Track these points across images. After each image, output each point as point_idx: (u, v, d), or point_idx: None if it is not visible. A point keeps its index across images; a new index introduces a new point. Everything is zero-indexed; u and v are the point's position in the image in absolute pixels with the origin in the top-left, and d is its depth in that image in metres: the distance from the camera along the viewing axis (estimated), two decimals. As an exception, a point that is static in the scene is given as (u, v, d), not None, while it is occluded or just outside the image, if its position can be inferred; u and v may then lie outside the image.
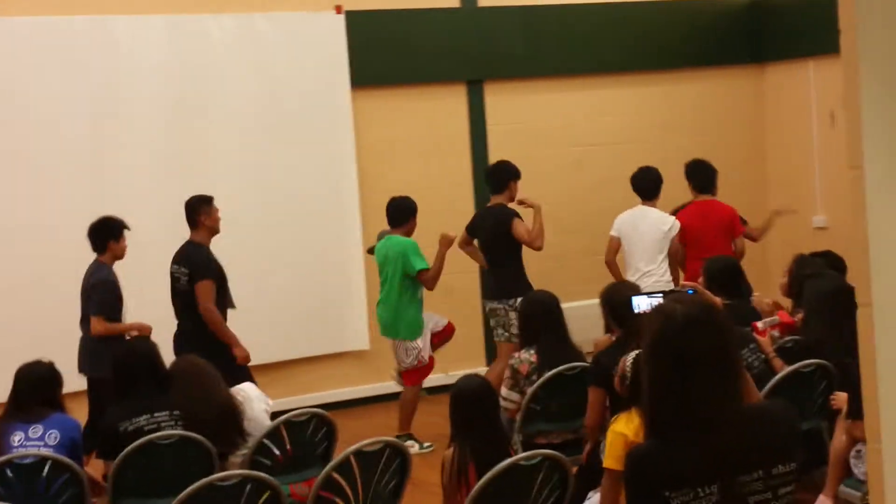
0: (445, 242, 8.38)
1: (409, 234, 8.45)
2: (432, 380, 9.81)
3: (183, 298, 7.78)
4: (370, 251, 8.85)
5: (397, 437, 8.20)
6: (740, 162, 11.14)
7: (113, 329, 7.53)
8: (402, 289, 8.35)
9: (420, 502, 6.38)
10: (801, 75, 10.97)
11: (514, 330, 8.11)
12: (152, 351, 5.99)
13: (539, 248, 8.50)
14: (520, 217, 8.53)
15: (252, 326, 8.63)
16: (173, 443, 5.53)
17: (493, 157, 10.27)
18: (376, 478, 5.22)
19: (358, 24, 9.73)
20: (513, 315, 8.26)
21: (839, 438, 5.42)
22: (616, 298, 5.94)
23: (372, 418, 9.21)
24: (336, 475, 5.10)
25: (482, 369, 9.89)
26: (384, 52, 9.92)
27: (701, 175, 8.90)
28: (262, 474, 5.04)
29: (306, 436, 5.86)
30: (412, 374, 8.46)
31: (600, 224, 9.87)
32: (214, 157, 9.29)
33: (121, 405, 5.78)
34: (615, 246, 8.74)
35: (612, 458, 4.89)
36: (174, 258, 7.89)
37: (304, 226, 9.53)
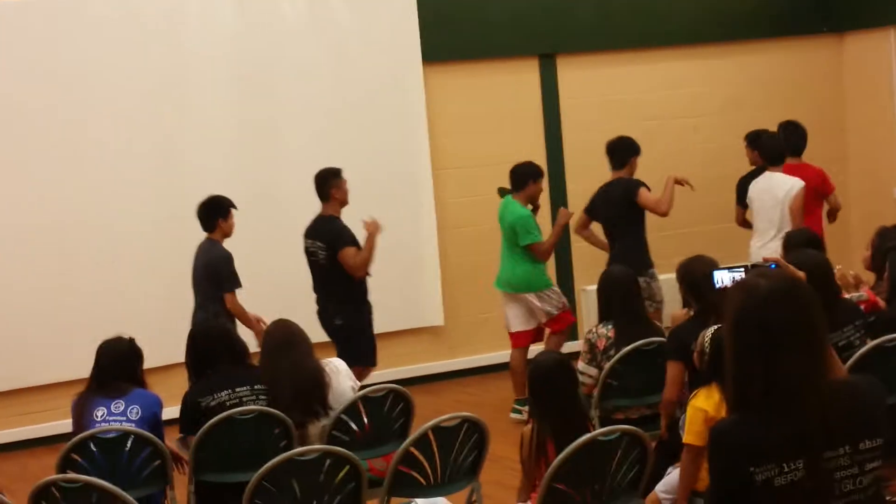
0: (563, 217, 8.51)
1: (528, 198, 8.53)
2: (504, 356, 9.83)
3: (322, 272, 7.97)
4: (500, 192, 8.83)
5: (516, 401, 8.28)
6: (818, 135, 10.90)
7: (242, 313, 7.71)
8: (519, 249, 8.48)
9: (499, 477, 6.39)
10: (882, 45, 10.76)
11: (660, 297, 8.40)
12: (229, 329, 6.04)
13: (663, 214, 8.60)
14: (646, 186, 8.58)
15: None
16: (252, 417, 5.56)
17: (566, 132, 10.24)
18: (454, 453, 5.22)
19: (429, -1, 9.72)
20: (655, 285, 8.45)
21: None
22: (694, 273, 5.88)
23: (447, 394, 9.24)
24: (414, 450, 5.11)
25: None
26: (455, 26, 9.90)
27: (794, 138, 8.94)
28: (342, 449, 5.05)
29: (384, 411, 5.86)
30: (559, 320, 8.47)
31: (676, 197, 9.77)
32: (286, 135, 9.34)
33: (202, 381, 5.84)
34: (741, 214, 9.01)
35: (692, 433, 4.86)
36: (307, 233, 8.09)
37: (377, 202, 9.48)
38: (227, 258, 7.77)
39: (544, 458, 4.95)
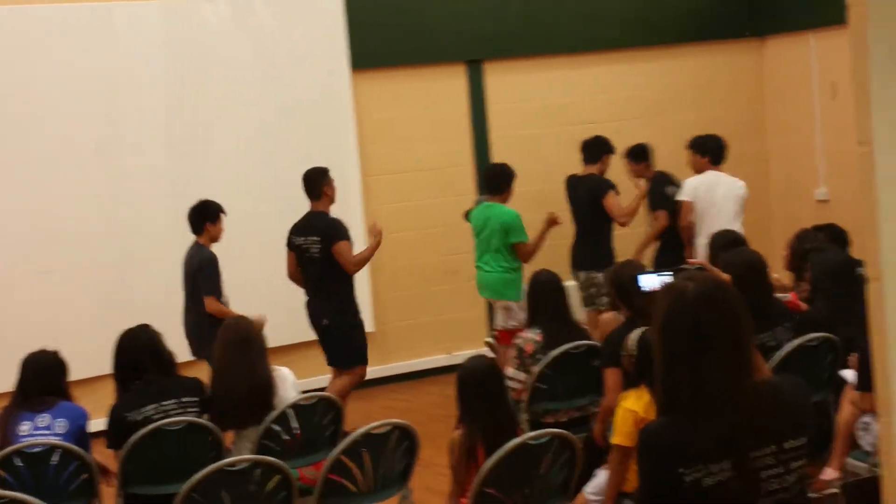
0: (550, 221, 8.55)
1: (506, 201, 8.59)
2: (435, 361, 9.87)
3: (315, 268, 7.99)
4: (466, 216, 8.97)
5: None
6: (741, 136, 11.10)
7: (224, 312, 7.66)
8: (506, 253, 8.51)
9: (429, 483, 6.40)
10: (802, 48, 10.94)
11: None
12: (155, 339, 5.92)
13: (623, 224, 8.91)
14: (615, 190, 8.80)
15: (259, 309, 8.61)
16: (181, 429, 5.53)
17: (494, 137, 10.29)
18: (385, 460, 5.23)
19: (356, 5, 9.72)
20: None
21: (846, 410, 5.43)
22: (624, 277, 5.93)
23: (377, 400, 9.23)
24: (345, 458, 5.11)
25: (486, 349, 9.93)
26: (383, 33, 9.90)
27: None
28: (272, 459, 5.04)
29: (314, 419, 5.86)
30: (510, 334, 8.49)
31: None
32: (214, 142, 9.29)
33: (127, 395, 5.77)
34: (689, 210, 8.95)
35: (621, 434, 4.91)
36: (297, 231, 8.10)
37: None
38: (211, 262, 7.79)
39: (474, 462, 4.97)
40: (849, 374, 5.52)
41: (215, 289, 7.79)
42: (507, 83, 10.44)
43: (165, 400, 5.67)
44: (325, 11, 9.63)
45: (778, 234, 10.86)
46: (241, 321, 6.13)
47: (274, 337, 8.46)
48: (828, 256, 6.49)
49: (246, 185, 9.35)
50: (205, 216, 7.91)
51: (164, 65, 9.11)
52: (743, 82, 11.39)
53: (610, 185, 8.85)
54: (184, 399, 5.73)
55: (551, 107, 10.57)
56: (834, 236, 7.38)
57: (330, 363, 8.21)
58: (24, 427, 5.58)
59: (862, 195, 2.66)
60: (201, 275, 7.78)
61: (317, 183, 8.09)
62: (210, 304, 7.73)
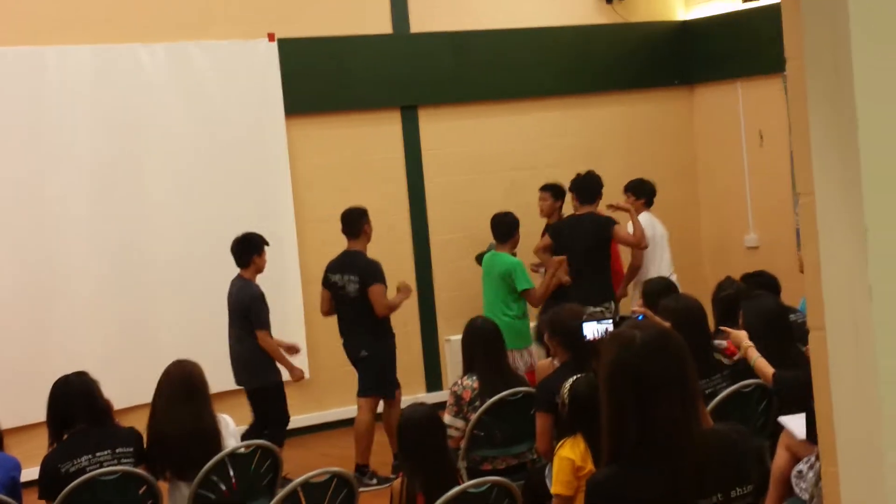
0: (556, 264, 8.81)
1: (514, 247, 8.90)
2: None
3: (351, 306, 8.25)
4: (478, 259, 9.19)
5: None
6: (672, 182, 11.26)
7: (274, 349, 8.12)
8: (510, 301, 8.70)
9: (367, 532, 6.35)
10: (730, 96, 11.15)
11: None
12: (89, 387, 5.79)
13: (646, 247, 9.17)
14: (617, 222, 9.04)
15: (190, 355, 8.48)
16: (116, 479, 5.44)
17: (429, 183, 10.32)
18: (323, 509, 5.19)
19: (291, 51, 9.71)
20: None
21: (781, 457, 5.48)
22: (565, 323, 5.95)
23: (314, 447, 9.16)
24: (283, 507, 5.06)
25: (422, 395, 9.91)
26: (318, 79, 9.91)
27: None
28: (208, 509, 4.99)
29: (251, 468, 5.79)
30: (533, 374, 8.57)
31: (533, 246, 9.93)
32: (148, 186, 9.19)
33: (61, 445, 5.65)
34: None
35: (560, 483, 4.92)
36: (333, 268, 8.38)
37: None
38: (259, 297, 8.04)
39: (415, 511, 4.94)
40: (786, 421, 5.57)
41: (266, 324, 8.07)
42: (442, 129, 10.50)
43: (100, 451, 5.58)
44: (259, 57, 9.62)
45: (709, 280, 10.94)
46: (184, 366, 6.03)
47: (230, 381, 8.51)
48: (759, 303, 6.54)
49: (179, 231, 9.26)
50: (251, 249, 8.13)
51: (96, 109, 9.00)
52: (674, 129, 11.57)
53: (613, 220, 9.05)
54: (118, 450, 5.63)
55: (486, 153, 10.64)
56: (765, 283, 7.46)
57: (369, 393, 8.35)
58: None
59: (804, 244, 2.70)
60: (253, 311, 8.02)
61: (357, 221, 8.35)
62: (263, 338, 8.02)
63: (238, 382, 8.26)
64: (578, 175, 9.28)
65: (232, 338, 8.23)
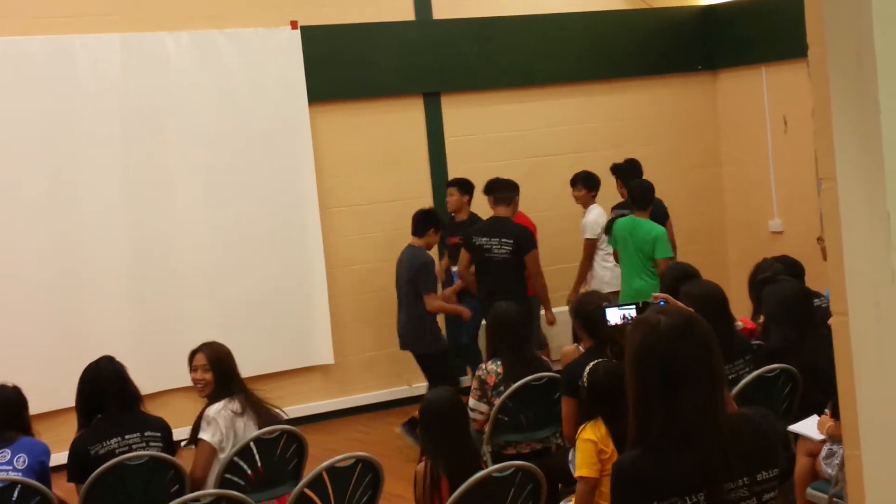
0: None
1: (649, 216, 9.01)
2: (396, 392, 9.88)
3: (499, 269, 8.64)
4: (607, 229, 9.28)
5: None
6: (695, 169, 11.26)
7: (444, 308, 8.67)
8: (649, 266, 8.83)
9: (393, 517, 6.40)
10: (754, 81, 11.10)
11: None
12: (120, 371, 5.86)
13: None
14: None
15: (226, 338, 8.60)
16: (143, 463, 5.50)
17: (451, 169, 10.34)
18: (349, 493, 5.22)
19: (313, 39, 9.73)
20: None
21: (801, 465, 5.48)
22: (588, 309, 5.99)
23: (339, 432, 9.22)
24: (309, 491, 5.11)
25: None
26: (340, 66, 9.93)
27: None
28: (235, 493, 5.04)
29: (277, 453, 5.84)
30: None
31: (557, 233, 9.95)
32: (173, 174, 9.24)
33: (90, 428, 5.72)
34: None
35: (585, 465, 4.95)
36: (481, 231, 8.83)
37: (265, 241, 9.51)
38: (429, 263, 8.53)
39: (438, 495, 4.98)
40: (798, 428, 5.57)
41: (433, 288, 8.51)
42: (465, 115, 10.51)
43: (129, 434, 5.65)
44: (282, 44, 9.65)
45: (734, 265, 10.99)
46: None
47: (256, 367, 8.60)
48: (780, 288, 6.54)
49: (204, 217, 9.32)
50: (431, 222, 8.60)
51: (124, 97, 9.06)
52: (697, 115, 11.53)
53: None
54: (147, 433, 5.70)
55: (509, 139, 10.65)
56: (788, 267, 7.45)
57: None
58: None
59: (826, 230, 2.72)
60: (420, 276, 8.40)
61: (427, 222, 8.63)
62: (430, 301, 8.40)
63: (402, 347, 8.77)
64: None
65: (399, 305, 8.70)
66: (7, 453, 5.55)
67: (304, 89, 9.68)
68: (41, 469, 5.60)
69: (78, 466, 5.57)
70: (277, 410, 6.03)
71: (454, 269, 9.39)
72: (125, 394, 5.77)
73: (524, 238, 8.73)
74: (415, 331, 8.56)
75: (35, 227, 8.74)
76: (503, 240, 8.69)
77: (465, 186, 9.62)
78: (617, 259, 9.13)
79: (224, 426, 5.78)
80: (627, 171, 9.63)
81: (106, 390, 5.73)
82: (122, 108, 9.04)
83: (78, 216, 8.88)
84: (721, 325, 5.80)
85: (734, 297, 8.77)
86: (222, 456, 5.73)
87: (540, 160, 10.66)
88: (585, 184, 9.63)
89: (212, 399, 5.89)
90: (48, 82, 8.81)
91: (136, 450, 5.60)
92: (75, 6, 9.00)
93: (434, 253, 9.00)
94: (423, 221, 8.61)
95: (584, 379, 5.17)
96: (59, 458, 5.91)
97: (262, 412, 5.91)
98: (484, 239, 8.76)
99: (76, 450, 5.62)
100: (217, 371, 5.93)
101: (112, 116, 9.01)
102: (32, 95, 8.76)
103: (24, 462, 5.52)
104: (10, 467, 5.50)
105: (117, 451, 5.57)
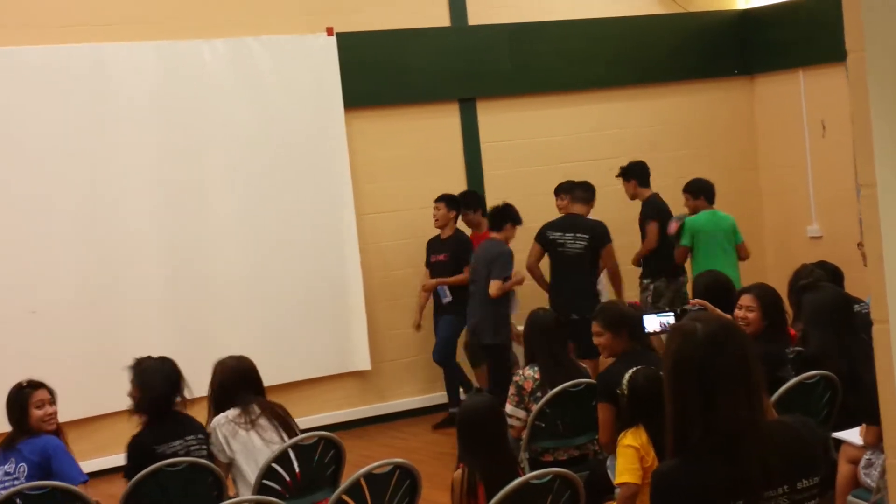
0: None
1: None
2: (432, 399, 9.88)
3: (572, 264, 8.92)
4: (679, 232, 9.43)
5: None
6: (732, 174, 11.20)
7: (504, 288, 8.72)
8: (733, 257, 9.36)
9: (430, 522, 6.39)
10: (792, 86, 11.03)
11: None
12: (178, 373, 5.94)
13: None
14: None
15: (253, 349, 8.60)
16: (182, 469, 5.53)
17: (487, 175, 10.35)
18: (386, 499, 5.22)
19: (349, 45, 9.76)
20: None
21: (843, 474, 5.43)
22: (624, 315, 5.96)
23: (375, 438, 9.23)
24: (347, 498, 5.11)
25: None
26: (376, 72, 9.96)
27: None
28: (273, 499, 5.05)
29: (315, 459, 5.85)
30: None
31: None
32: (209, 181, 9.30)
33: (153, 427, 5.78)
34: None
35: (626, 472, 4.93)
36: (555, 227, 9.05)
37: (301, 248, 9.54)
38: (507, 253, 8.75)
39: (475, 502, 4.97)
40: (842, 435, 5.52)
41: (505, 276, 8.69)
42: (500, 121, 10.51)
43: (188, 435, 5.73)
44: (318, 51, 9.68)
45: (772, 270, 10.91)
46: (242, 359, 6.15)
47: (293, 373, 8.65)
48: (820, 294, 6.48)
49: (240, 225, 9.36)
50: (508, 216, 8.85)
51: (159, 106, 9.11)
52: (734, 120, 11.48)
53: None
54: (200, 436, 5.78)
55: (544, 144, 10.64)
56: (826, 273, 7.39)
57: (583, 356, 8.24)
58: None
59: (866, 237, 2.70)
60: (497, 263, 8.61)
61: (506, 217, 8.91)
62: (492, 285, 8.61)
63: (470, 336, 8.95)
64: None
65: (472, 296, 8.89)
66: (12, 463, 5.58)
67: (339, 96, 9.71)
68: (45, 463, 5.61)
69: (142, 464, 5.52)
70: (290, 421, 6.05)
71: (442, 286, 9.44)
72: (257, 387, 5.97)
73: (600, 232, 8.95)
74: (484, 321, 8.70)
75: (72, 235, 8.79)
76: (578, 234, 8.93)
77: (452, 202, 9.58)
78: (680, 260, 9.44)
79: (222, 436, 5.83)
80: (639, 173, 9.66)
81: (171, 392, 5.81)
82: (158, 116, 9.10)
83: (114, 224, 8.93)
84: (775, 328, 5.90)
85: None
86: (238, 462, 5.78)
87: (576, 165, 10.62)
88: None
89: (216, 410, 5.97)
90: (83, 91, 8.87)
91: (193, 452, 5.67)
92: (109, 15, 9.06)
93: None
94: (499, 216, 8.85)
95: (624, 386, 5.15)
96: (94, 464, 5.94)
97: (274, 421, 5.93)
98: (558, 233, 8.98)
99: (142, 447, 5.65)
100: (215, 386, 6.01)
101: (148, 125, 9.06)
102: (67, 104, 8.82)
103: (24, 471, 5.55)
104: (11, 478, 5.51)
105: (180, 452, 5.64)
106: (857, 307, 6.37)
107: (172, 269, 9.10)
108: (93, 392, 8.48)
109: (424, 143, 10.20)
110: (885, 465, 2.73)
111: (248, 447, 5.81)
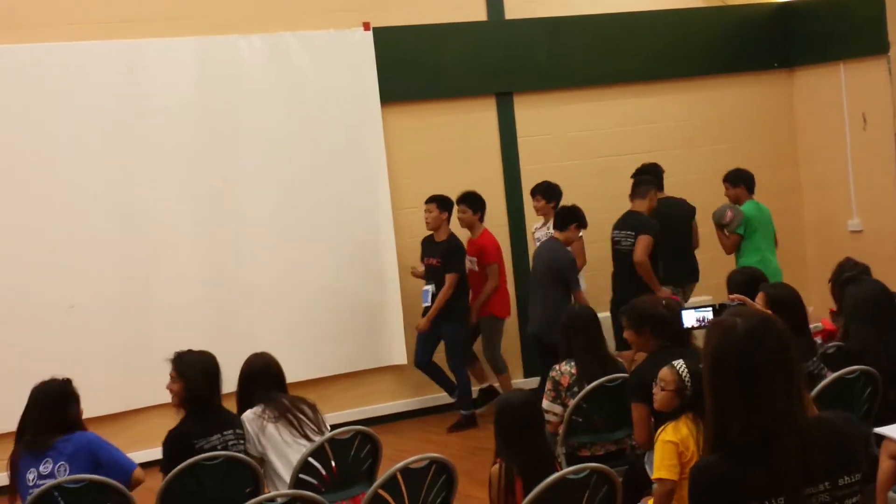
0: None
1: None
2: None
3: (622, 260, 9.08)
4: (737, 213, 9.51)
5: None
6: (772, 168, 11.11)
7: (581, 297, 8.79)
8: (771, 244, 9.54)
9: (467, 517, 6.38)
10: (832, 79, 10.92)
11: None
12: (218, 368, 5.97)
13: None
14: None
15: (289, 344, 8.69)
16: (219, 464, 5.54)
17: (524, 169, 10.31)
18: (423, 494, 5.21)
19: (386, 40, 9.75)
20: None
21: (884, 470, 5.37)
22: (658, 312, 5.92)
23: (411, 432, 9.24)
24: (383, 492, 5.10)
25: (519, 380, 9.92)
26: (413, 67, 9.95)
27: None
28: (309, 493, 5.04)
29: (351, 453, 5.85)
30: None
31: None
32: (246, 176, 9.32)
33: (192, 420, 5.80)
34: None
35: (663, 467, 4.89)
36: (616, 225, 9.20)
37: (338, 242, 9.55)
38: (574, 261, 8.81)
39: (513, 497, 4.95)
40: (885, 430, 5.46)
41: (579, 286, 8.86)
42: (537, 115, 10.47)
43: (227, 430, 5.75)
44: (355, 46, 9.68)
45: (813, 264, 10.84)
46: (266, 356, 6.20)
47: (329, 367, 8.64)
48: (862, 288, 6.42)
49: (277, 219, 9.38)
50: (573, 218, 8.85)
51: (197, 101, 9.14)
52: (773, 113, 11.38)
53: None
54: (238, 430, 5.81)
55: (581, 138, 10.59)
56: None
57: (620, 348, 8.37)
58: (31, 476, 5.53)
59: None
60: (572, 272, 8.72)
61: (570, 218, 8.86)
62: (577, 295, 8.72)
63: (532, 333, 9.00)
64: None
65: (533, 294, 8.97)
66: (49, 463, 5.55)
67: (376, 90, 9.71)
68: (92, 457, 5.59)
69: (181, 457, 5.52)
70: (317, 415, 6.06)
71: (427, 288, 9.34)
72: (281, 381, 6.05)
73: (642, 226, 8.99)
74: (546, 321, 8.66)
75: (110, 233, 8.84)
76: (627, 231, 9.05)
77: (444, 203, 9.42)
78: (732, 249, 9.51)
79: (252, 431, 5.88)
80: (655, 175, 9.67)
81: (214, 386, 5.85)
82: (195, 111, 9.13)
83: (152, 222, 8.97)
84: (794, 328, 5.75)
85: (813, 296, 8.66)
86: (269, 457, 5.82)
87: (613, 159, 10.59)
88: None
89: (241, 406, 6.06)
90: (122, 88, 8.91)
91: (231, 447, 5.69)
92: (147, 10, 9.12)
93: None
94: (565, 217, 8.86)
95: (683, 375, 5.10)
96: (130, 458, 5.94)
97: (301, 417, 5.94)
98: (616, 231, 9.19)
99: (182, 441, 5.66)
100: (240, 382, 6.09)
101: (185, 120, 9.10)
102: (106, 101, 8.86)
103: (65, 469, 5.51)
104: (53, 478, 5.44)
105: (218, 447, 5.66)
106: (898, 301, 6.30)
107: (209, 265, 9.13)
108: (129, 387, 8.55)
109: (461, 137, 10.19)
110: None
111: (276, 442, 5.84)
